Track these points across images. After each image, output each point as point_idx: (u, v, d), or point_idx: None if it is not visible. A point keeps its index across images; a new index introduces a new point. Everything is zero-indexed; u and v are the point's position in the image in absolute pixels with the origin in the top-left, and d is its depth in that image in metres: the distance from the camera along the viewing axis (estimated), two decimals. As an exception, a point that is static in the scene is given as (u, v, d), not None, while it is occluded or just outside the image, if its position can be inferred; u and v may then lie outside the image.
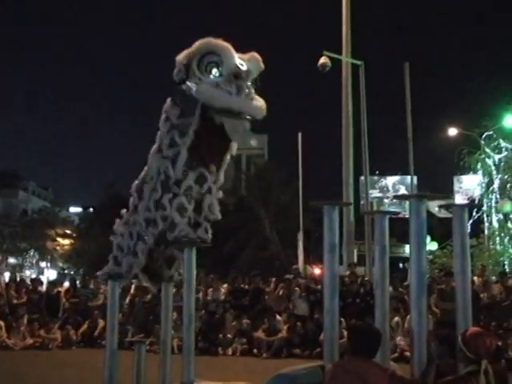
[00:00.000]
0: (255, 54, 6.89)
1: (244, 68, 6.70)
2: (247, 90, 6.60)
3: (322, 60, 19.30)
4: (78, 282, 19.75)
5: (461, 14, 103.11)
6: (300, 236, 24.44)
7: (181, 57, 6.85)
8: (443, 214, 27.47)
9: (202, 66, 6.67)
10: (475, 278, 15.51)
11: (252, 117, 6.69)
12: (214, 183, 7.24)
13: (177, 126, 6.95)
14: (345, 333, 11.08)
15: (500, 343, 10.69)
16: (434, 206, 24.26)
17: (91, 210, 51.12)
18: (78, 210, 64.76)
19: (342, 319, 12.79)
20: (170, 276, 8.12)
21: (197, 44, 6.75)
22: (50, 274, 51.75)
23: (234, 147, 7.15)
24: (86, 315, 16.46)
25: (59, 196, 65.90)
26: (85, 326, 16.10)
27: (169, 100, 7.04)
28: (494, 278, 17.21)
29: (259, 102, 6.74)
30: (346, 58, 20.11)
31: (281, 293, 15.85)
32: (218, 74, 6.65)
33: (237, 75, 6.55)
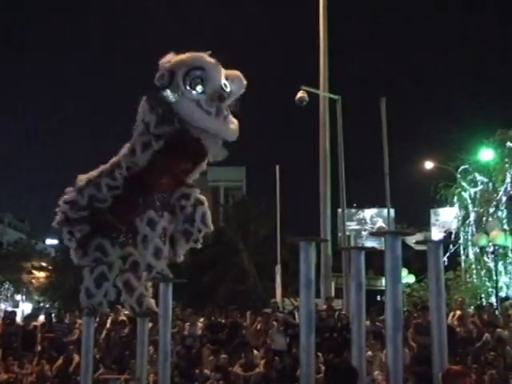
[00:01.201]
0: (240, 75, 7.00)
1: (228, 89, 6.78)
2: (226, 112, 6.75)
3: (300, 94, 19.44)
4: (53, 315, 19.47)
5: (437, 50, 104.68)
6: (278, 269, 24.41)
7: (166, 62, 6.85)
8: (420, 246, 27.56)
9: (188, 80, 6.66)
10: (452, 313, 15.54)
11: (226, 139, 6.90)
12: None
13: (153, 134, 6.99)
14: (322, 368, 11.06)
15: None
16: (411, 239, 24.37)
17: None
18: (55, 242, 64.15)
19: (320, 354, 12.75)
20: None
21: (187, 55, 6.78)
22: (26, 307, 51.08)
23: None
24: (61, 350, 16.19)
25: (36, 228, 65.32)
26: (60, 362, 15.84)
27: (144, 101, 7.04)
28: (470, 310, 17.21)
29: (234, 124, 6.90)
30: (323, 93, 20.28)
31: (258, 327, 15.74)
32: (201, 91, 6.69)
33: (220, 97, 6.68)
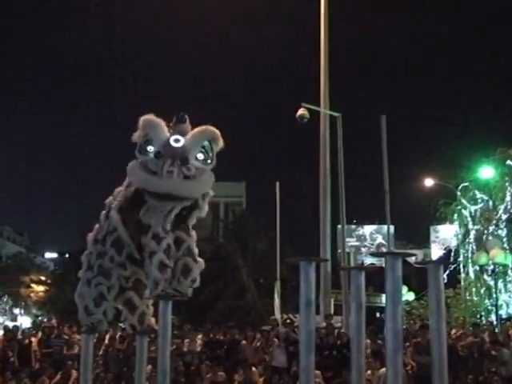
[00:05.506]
0: (200, 130, 6.88)
1: (178, 144, 6.66)
2: (171, 168, 6.51)
3: (300, 111, 19.48)
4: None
5: (438, 68, 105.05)
6: (277, 285, 24.29)
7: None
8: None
9: (140, 144, 6.81)
10: (454, 330, 15.47)
11: (174, 196, 6.55)
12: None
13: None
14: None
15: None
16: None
17: (67, 255, 50.51)
18: (54, 255, 63.96)
19: (319, 372, 12.68)
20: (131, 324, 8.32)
21: (140, 122, 6.89)
22: (24, 321, 50.90)
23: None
24: (59, 365, 16.10)
25: (35, 241, 65.26)
26: (58, 377, 15.74)
27: None
28: (470, 329, 17.15)
29: (194, 181, 6.62)
30: (323, 110, 20.30)
31: (258, 344, 15.65)
32: (151, 151, 6.72)
33: (167, 153, 6.57)
